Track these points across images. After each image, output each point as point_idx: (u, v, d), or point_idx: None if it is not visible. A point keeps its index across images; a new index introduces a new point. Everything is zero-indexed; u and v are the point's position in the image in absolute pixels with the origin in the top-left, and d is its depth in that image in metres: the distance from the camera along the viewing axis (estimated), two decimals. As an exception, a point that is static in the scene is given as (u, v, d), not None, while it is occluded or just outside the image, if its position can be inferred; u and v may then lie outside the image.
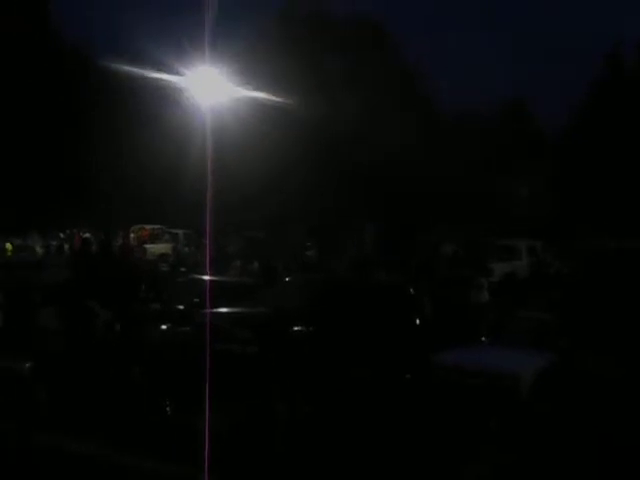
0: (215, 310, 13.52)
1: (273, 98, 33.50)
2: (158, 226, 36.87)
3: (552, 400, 10.60)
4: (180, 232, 35.91)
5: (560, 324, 12.63)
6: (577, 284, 17.40)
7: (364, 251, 26.34)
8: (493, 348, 12.63)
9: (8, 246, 27.52)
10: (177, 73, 29.44)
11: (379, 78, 41.22)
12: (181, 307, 14.88)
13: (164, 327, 13.84)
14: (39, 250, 27.87)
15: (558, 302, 15.23)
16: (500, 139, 43.69)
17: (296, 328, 13.31)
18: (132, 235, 34.68)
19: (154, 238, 35.02)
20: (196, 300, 14.49)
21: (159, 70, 31.16)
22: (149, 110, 37.09)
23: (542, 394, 10.86)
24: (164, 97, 32.62)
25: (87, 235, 33.68)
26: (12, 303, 14.03)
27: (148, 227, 36.45)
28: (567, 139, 44.26)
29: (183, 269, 21.69)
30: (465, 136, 41.71)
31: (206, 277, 16.26)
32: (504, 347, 12.25)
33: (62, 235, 34.30)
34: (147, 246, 31.67)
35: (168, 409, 10.03)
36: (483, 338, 13.71)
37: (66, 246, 30.74)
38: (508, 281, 21.22)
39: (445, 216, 37.59)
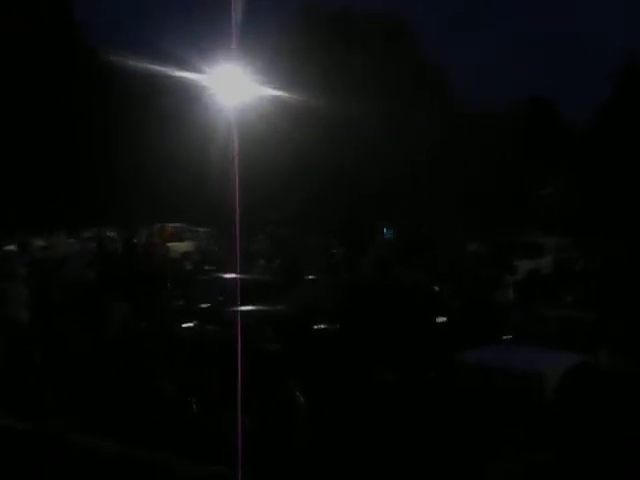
0: (238, 308, 13.54)
1: (296, 96, 33.53)
2: (180, 224, 37.00)
3: (579, 400, 10.49)
4: (202, 230, 36.00)
5: (588, 322, 12.50)
6: (605, 281, 17.23)
7: (388, 251, 26.21)
8: (518, 347, 12.51)
9: (35, 244, 27.72)
10: (200, 71, 29.58)
11: (402, 75, 41.09)
12: (205, 305, 14.92)
13: (189, 325, 13.89)
14: (64, 249, 28.03)
15: (585, 300, 15.10)
16: (525, 136, 43.41)
17: (320, 326, 13.32)
18: (155, 233, 34.83)
19: (177, 236, 35.14)
20: (220, 298, 14.52)
21: (182, 68, 31.29)
22: (172, 108, 37.21)
23: (569, 394, 10.75)
24: (187, 95, 32.70)
25: (111, 234, 33.87)
26: (37, 302, 14.12)
27: (171, 225, 36.59)
28: (591, 136, 43.91)
29: (207, 267, 21.74)
30: (490, 134, 41.49)
31: (230, 275, 16.28)
32: (530, 346, 12.13)
33: (87, 234, 34.49)
34: (170, 244, 31.76)
35: (194, 407, 10.05)
36: (508, 337, 13.60)
37: (91, 245, 30.89)
38: (533, 279, 21.04)
39: (469, 214, 37.40)
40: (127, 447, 7.35)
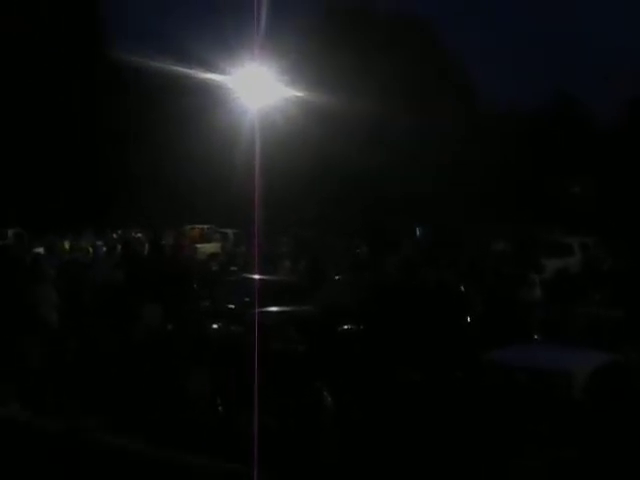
0: (265, 309, 13.59)
1: (320, 97, 33.55)
2: (209, 226, 37.23)
3: (608, 399, 10.40)
4: (230, 232, 36.18)
5: (617, 321, 12.38)
6: (634, 280, 17.05)
7: (415, 249, 26.16)
8: (546, 346, 12.44)
9: (65, 246, 28.00)
10: (224, 72, 29.75)
11: (427, 77, 40.99)
12: (232, 306, 14.99)
13: (215, 326, 13.96)
14: (92, 250, 28.29)
15: (614, 298, 14.95)
16: (551, 135, 43.13)
17: (346, 327, 13.32)
18: (183, 235, 35.06)
19: (205, 238, 35.36)
20: (246, 299, 14.58)
21: (207, 69, 31.47)
22: (198, 110, 37.43)
23: (598, 393, 10.66)
24: (213, 96, 32.88)
25: (139, 235, 34.12)
26: (66, 304, 14.26)
27: (198, 227, 36.84)
28: (618, 135, 43.52)
29: (234, 268, 21.83)
30: (515, 133, 41.28)
31: (256, 276, 16.34)
32: (558, 345, 12.06)
33: (115, 235, 34.80)
34: (198, 245, 31.95)
35: (220, 408, 10.11)
36: (535, 336, 13.51)
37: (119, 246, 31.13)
38: (560, 278, 20.88)
39: (495, 213, 37.23)
40: (145, 445, 7.40)
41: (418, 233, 34.95)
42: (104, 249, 28.33)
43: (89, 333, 13.08)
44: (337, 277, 18.16)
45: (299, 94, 32.29)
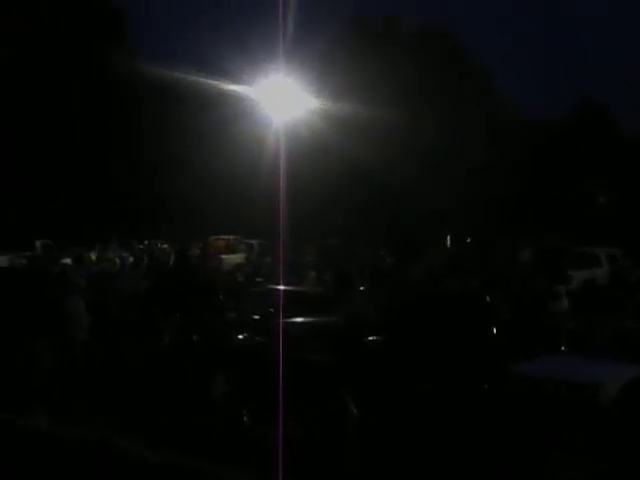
0: (289, 320, 13.59)
1: (345, 107, 33.59)
2: (234, 236, 37.34)
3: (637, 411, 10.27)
4: (255, 242, 36.26)
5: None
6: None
7: (440, 259, 26.05)
8: (575, 358, 12.32)
9: (92, 257, 28.21)
10: (250, 83, 29.90)
11: (453, 87, 40.90)
12: (257, 317, 15.00)
13: (241, 337, 13.97)
14: (119, 261, 28.49)
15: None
16: (578, 143, 42.82)
17: (371, 338, 13.27)
18: (209, 245, 35.20)
19: (230, 248, 35.47)
20: (271, 310, 14.59)
21: (232, 81, 31.65)
22: (224, 121, 37.63)
23: (629, 406, 10.52)
24: (238, 108, 33.05)
25: (165, 246, 34.30)
26: (95, 315, 14.35)
27: (224, 237, 36.97)
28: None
29: (259, 279, 21.87)
30: (540, 141, 41.04)
31: (281, 287, 16.35)
32: (586, 357, 11.94)
33: (141, 246, 35.00)
34: (223, 256, 32.07)
35: (245, 419, 10.10)
36: (563, 347, 13.39)
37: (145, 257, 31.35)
38: (588, 289, 20.71)
39: (522, 223, 37.03)
40: (175, 455, 7.42)
41: (448, 242, 34.91)
42: (130, 260, 28.55)
43: (116, 344, 13.17)
44: (362, 288, 18.12)
45: (324, 105, 32.36)
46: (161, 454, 7.45)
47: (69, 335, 12.85)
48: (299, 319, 13.95)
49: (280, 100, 27.50)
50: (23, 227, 33.34)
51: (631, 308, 15.67)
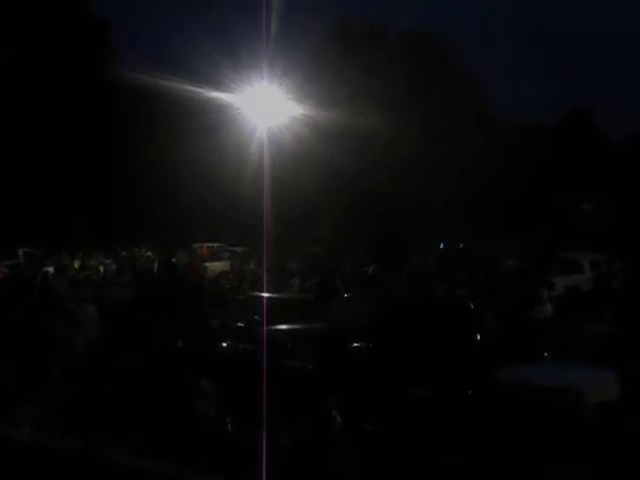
0: (274, 327, 13.60)
1: (330, 114, 33.64)
2: (218, 244, 37.27)
3: (619, 416, 10.34)
4: (239, 249, 36.20)
5: (626, 338, 12.32)
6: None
7: (424, 266, 26.09)
8: (557, 363, 12.40)
9: (75, 265, 28.10)
10: (234, 91, 29.88)
11: (439, 93, 40.99)
12: (241, 324, 15.00)
13: (225, 344, 13.96)
14: (102, 269, 28.39)
15: (623, 316, 14.88)
16: (563, 150, 43.06)
17: (355, 344, 13.30)
18: (193, 253, 35.11)
19: (214, 256, 35.38)
20: (256, 317, 14.59)
21: (216, 88, 31.61)
22: (207, 128, 37.56)
23: (609, 410, 10.60)
24: (221, 115, 33.00)
25: (148, 254, 34.18)
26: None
27: (208, 245, 36.88)
28: (630, 150, 43.40)
29: (245, 286, 21.87)
30: (527, 148, 41.24)
31: (265, 294, 16.36)
32: (569, 362, 12.01)
33: (124, 253, 34.87)
34: (207, 264, 32.00)
35: (229, 426, 10.09)
36: (546, 353, 13.46)
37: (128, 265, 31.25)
38: (571, 295, 20.82)
39: (505, 229, 37.16)
40: (162, 465, 7.42)
41: (441, 246, 35.03)
42: (114, 267, 28.46)
43: (103, 352, 13.12)
44: (347, 294, 18.16)
45: (308, 111, 32.41)
46: (145, 462, 7.45)
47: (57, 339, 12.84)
48: (283, 326, 13.96)
49: (264, 107, 27.52)
50: (5, 235, 33.07)
51: (611, 314, 15.77)
